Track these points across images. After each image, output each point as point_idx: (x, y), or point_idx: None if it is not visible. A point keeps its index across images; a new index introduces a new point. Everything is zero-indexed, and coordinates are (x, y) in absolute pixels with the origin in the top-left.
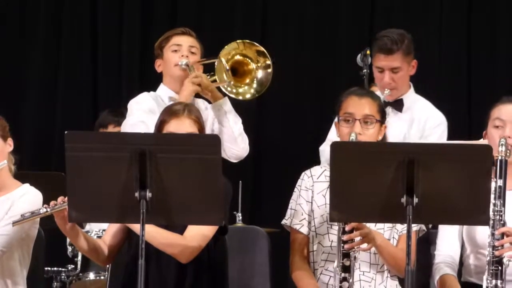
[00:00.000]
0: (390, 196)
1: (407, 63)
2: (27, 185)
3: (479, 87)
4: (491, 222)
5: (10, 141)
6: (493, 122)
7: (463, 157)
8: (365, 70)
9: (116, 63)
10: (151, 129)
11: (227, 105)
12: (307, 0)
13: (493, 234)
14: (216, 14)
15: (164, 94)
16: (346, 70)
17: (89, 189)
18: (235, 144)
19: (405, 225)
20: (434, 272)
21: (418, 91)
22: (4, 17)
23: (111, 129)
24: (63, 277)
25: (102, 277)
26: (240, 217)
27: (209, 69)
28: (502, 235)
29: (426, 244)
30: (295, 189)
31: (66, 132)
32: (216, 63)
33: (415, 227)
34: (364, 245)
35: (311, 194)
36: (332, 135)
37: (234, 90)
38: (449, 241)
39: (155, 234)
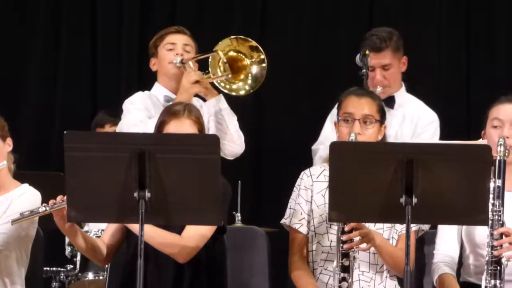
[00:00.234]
0: (389, 196)
1: (397, 59)
2: (26, 185)
3: (478, 87)
4: (490, 222)
5: (9, 141)
6: (491, 122)
7: (462, 157)
8: (364, 70)
9: (115, 63)
10: (148, 128)
11: (222, 102)
12: (307, 0)
13: (492, 234)
14: (215, 14)
15: (159, 93)
16: (345, 70)
17: (88, 189)
18: (231, 141)
19: (404, 225)
20: (433, 271)
21: (417, 91)
22: (4, 17)
23: (107, 128)
24: (62, 277)
25: (101, 277)
26: (239, 217)
27: (203, 67)
28: (501, 235)
29: (422, 243)
30: (294, 189)
31: (65, 132)
32: (210, 59)
33: (414, 227)
34: (364, 245)
35: (311, 193)
36: (325, 135)
37: (228, 86)
38: (448, 240)
39: (153, 234)
